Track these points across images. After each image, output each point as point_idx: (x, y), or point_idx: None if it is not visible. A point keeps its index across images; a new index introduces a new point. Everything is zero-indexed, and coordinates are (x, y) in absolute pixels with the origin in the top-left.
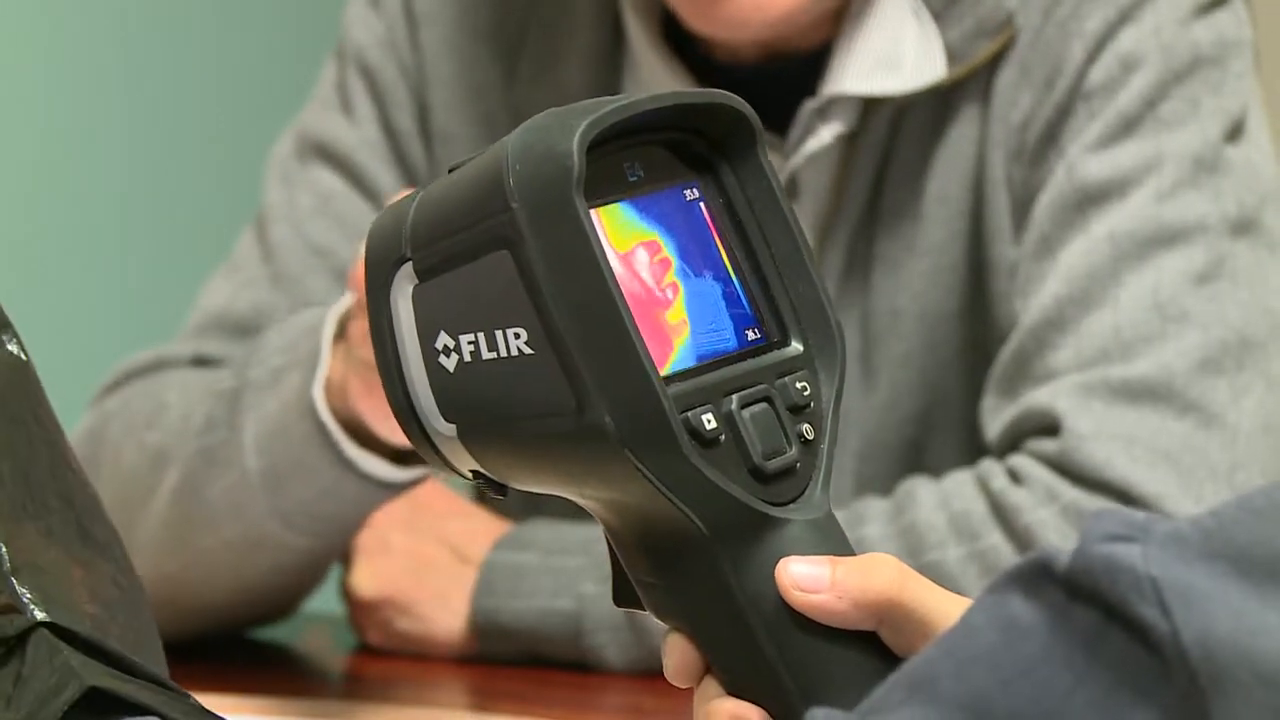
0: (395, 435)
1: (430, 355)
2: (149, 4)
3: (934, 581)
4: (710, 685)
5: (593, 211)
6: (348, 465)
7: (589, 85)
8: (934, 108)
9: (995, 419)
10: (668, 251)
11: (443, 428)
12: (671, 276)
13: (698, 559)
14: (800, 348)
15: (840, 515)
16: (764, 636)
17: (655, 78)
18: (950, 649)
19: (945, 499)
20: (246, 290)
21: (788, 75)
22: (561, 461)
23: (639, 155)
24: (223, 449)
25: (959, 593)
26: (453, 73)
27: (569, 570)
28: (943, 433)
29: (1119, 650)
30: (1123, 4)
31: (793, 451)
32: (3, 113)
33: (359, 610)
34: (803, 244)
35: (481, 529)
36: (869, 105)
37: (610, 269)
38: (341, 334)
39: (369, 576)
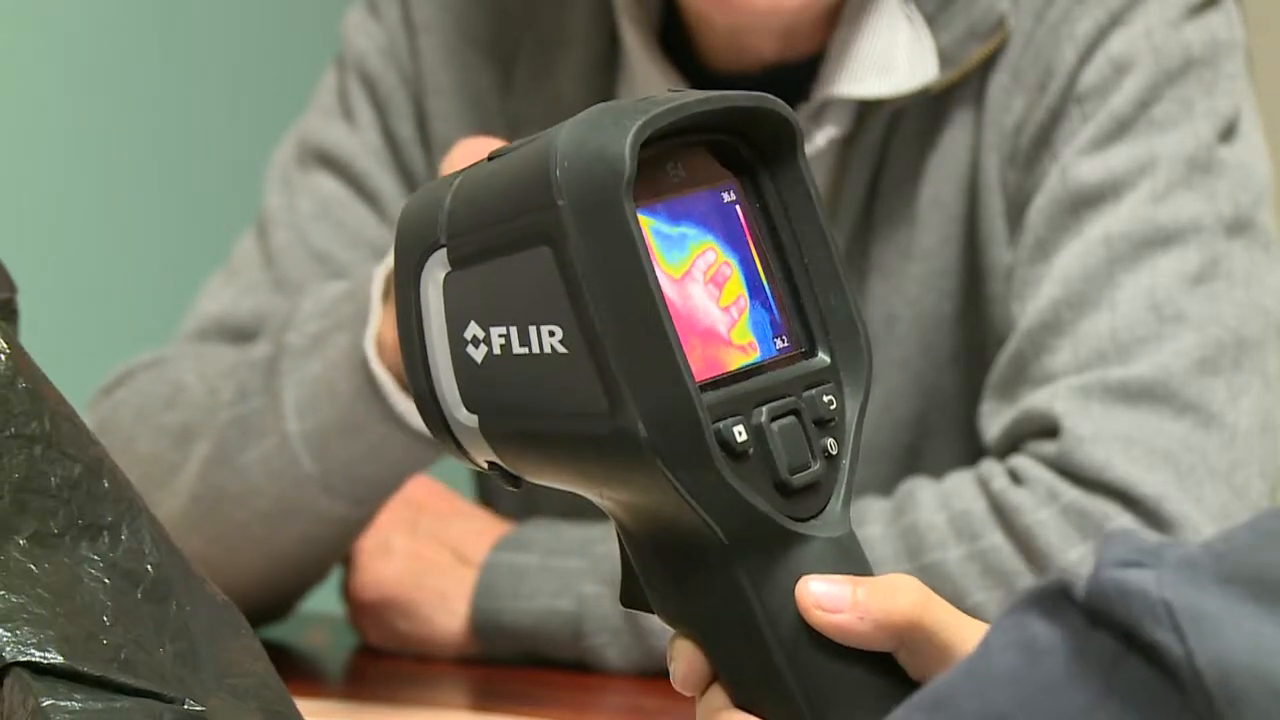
0: None
1: (458, 344)
2: (152, 9)
3: (935, 582)
4: (716, 695)
5: (640, 214)
6: (396, 421)
7: (584, 95)
8: (927, 112)
9: (994, 422)
10: (724, 257)
11: (464, 418)
12: (731, 286)
13: (715, 568)
14: (827, 359)
15: None
16: (778, 652)
17: (651, 88)
18: (970, 669)
19: (945, 499)
20: (248, 295)
21: (782, 84)
22: (585, 463)
23: (682, 155)
24: (258, 417)
25: (959, 593)
26: (450, 81)
27: (569, 571)
28: (939, 436)
29: (1137, 675)
30: (1113, 6)
31: (817, 466)
32: (6, 116)
33: (360, 612)
34: (836, 254)
35: (481, 530)
36: (863, 110)
37: (655, 275)
38: (389, 292)
39: (370, 578)
